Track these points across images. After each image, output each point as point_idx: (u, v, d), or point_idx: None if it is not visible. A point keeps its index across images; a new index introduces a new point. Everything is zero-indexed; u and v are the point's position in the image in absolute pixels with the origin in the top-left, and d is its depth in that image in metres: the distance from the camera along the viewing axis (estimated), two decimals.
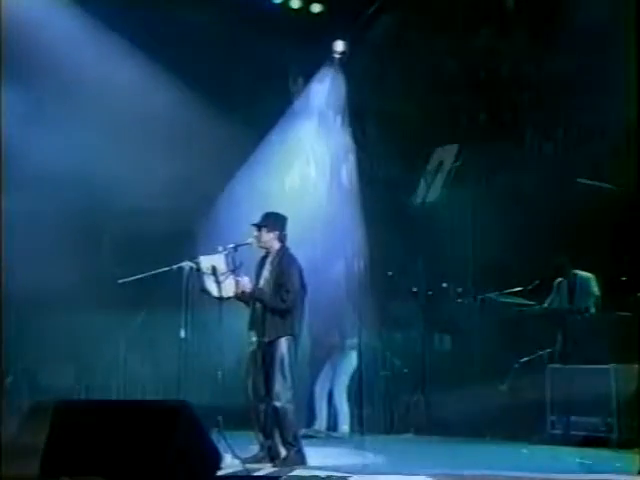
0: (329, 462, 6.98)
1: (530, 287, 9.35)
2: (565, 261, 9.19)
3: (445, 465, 6.63)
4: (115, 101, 9.70)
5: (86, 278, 9.83)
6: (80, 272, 9.80)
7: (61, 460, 4.54)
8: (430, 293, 10.49)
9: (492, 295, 9.60)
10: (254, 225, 6.91)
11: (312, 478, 6.05)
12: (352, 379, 9.78)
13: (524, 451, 7.73)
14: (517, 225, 9.63)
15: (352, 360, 9.78)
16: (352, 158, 10.89)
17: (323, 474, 6.09)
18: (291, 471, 6.33)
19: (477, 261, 10.10)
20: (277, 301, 6.70)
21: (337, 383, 9.73)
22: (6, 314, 9.21)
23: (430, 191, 10.63)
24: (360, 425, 9.97)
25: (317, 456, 7.08)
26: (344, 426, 9.66)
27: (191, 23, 9.73)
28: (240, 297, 6.87)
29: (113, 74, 9.66)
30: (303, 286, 6.84)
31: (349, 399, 9.72)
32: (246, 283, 6.78)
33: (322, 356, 9.78)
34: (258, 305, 6.80)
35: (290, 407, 6.66)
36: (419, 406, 9.93)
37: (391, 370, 10.33)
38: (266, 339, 6.71)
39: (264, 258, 6.97)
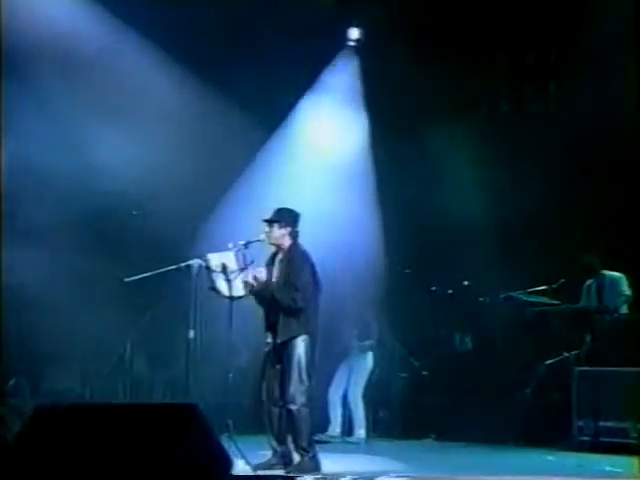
0: (344, 469, 6.96)
1: (555, 286, 9.32)
2: (594, 260, 9.14)
3: (467, 472, 6.61)
4: (121, 95, 9.74)
5: (91, 277, 9.87)
6: (84, 271, 9.84)
7: (62, 467, 4.55)
8: (450, 292, 10.48)
9: (516, 294, 9.57)
10: (265, 221, 6.91)
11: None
12: (368, 381, 9.77)
13: (550, 458, 7.69)
14: (543, 221, 9.61)
15: (368, 361, 9.77)
16: (369, 150, 10.88)
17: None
18: (305, 478, 6.33)
19: (500, 258, 10.07)
20: (291, 300, 6.70)
21: (353, 385, 9.71)
22: (8, 314, 9.26)
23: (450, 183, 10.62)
24: (377, 430, 9.99)
25: (332, 463, 7.07)
26: (360, 431, 9.65)
27: (202, 13, 9.75)
28: (254, 294, 6.85)
29: (121, 69, 9.69)
30: (317, 283, 6.82)
31: (365, 402, 9.72)
32: (262, 275, 6.75)
33: (337, 357, 9.78)
34: (269, 303, 6.79)
35: (305, 411, 6.65)
36: (439, 410, 9.92)
37: (409, 372, 10.34)
38: (280, 339, 6.70)
39: (274, 255, 6.96)
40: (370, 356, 9.77)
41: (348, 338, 9.76)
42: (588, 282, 9.22)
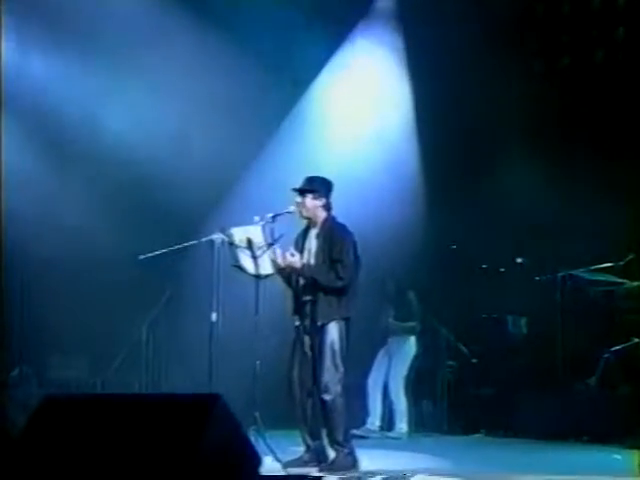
0: (384, 466, 6.96)
1: (623, 262, 9.21)
2: None
3: (521, 472, 6.57)
4: (139, 62, 9.77)
5: (102, 255, 9.92)
6: (95, 249, 9.90)
7: (71, 463, 4.57)
8: (502, 270, 10.41)
9: (577, 272, 9.48)
10: (297, 190, 6.85)
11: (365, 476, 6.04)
12: (411, 369, 9.76)
13: (616, 457, 7.62)
14: (610, 188, 9.48)
15: (411, 347, 9.75)
16: (411, 117, 10.78)
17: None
18: (341, 476, 6.33)
19: (559, 231, 9.97)
20: (332, 278, 6.65)
21: (393, 374, 9.70)
22: (11, 298, 9.33)
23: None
24: (420, 424, 9.98)
25: (370, 459, 7.06)
26: (402, 425, 9.65)
27: None
28: (283, 274, 6.83)
29: (142, 34, 9.72)
30: (357, 260, 6.79)
31: (407, 393, 9.70)
32: (296, 260, 6.72)
33: (376, 342, 9.76)
34: (302, 283, 6.76)
35: (341, 402, 6.64)
36: (490, 402, 9.89)
37: (457, 359, 10.31)
38: (320, 322, 6.67)
39: (307, 230, 6.92)
40: (412, 340, 9.74)
41: (387, 320, 9.74)
42: None
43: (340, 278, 6.65)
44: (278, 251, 6.77)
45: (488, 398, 9.99)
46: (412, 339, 9.75)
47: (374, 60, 10.78)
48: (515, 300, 10.35)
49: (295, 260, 6.71)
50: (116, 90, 9.92)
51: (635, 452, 6.72)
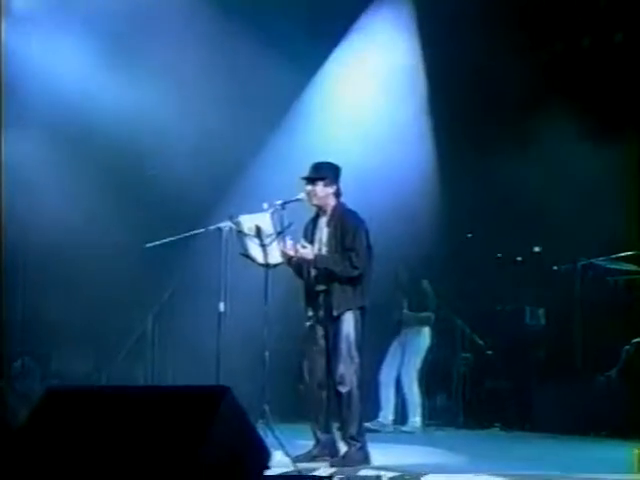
0: (397, 461, 6.95)
1: None
2: None
3: (537, 467, 6.57)
4: (143, 44, 9.77)
5: (107, 244, 9.94)
6: (99, 237, 9.91)
7: (75, 457, 4.58)
8: (519, 259, 10.39)
9: (597, 260, 9.46)
10: (306, 179, 6.84)
11: (376, 478, 6.04)
12: (425, 362, 9.76)
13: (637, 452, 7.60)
14: (631, 173, 9.45)
15: (425, 339, 9.75)
16: (419, 104, 10.75)
17: (389, 475, 6.08)
18: (352, 472, 6.33)
19: (578, 218, 9.94)
20: (348, 268, 6.64)
21: (407, 367, 9.70)
22: (14, 289, 9.36)
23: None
24: (434, 418, 9.99)
25: (383, 454, 7.06)
26: (415, 418, 9.65)
27: None
28: (293, 264, 6.82)
29: (147, 16, 9.72)
30: (370, 248, 6.79)
31: (421, 386, 9.71)
32: (308, 252, 6.70)
33: (389, 334, 9.76)
34: (314, 273, 6.76)
35: (357, 394, 6.63)
36: (506, 395, 9.89)
37: (472, 351, 10.30)
38: (336, 312, 6.66)
39: (316, 218, 6.91)
40: (427, 332, 9.74)
41: (401, 311, 9.74)
42: None
43: (355, 267, 6.64)
44: (289, 242, 6.76)
45: (504, 391, 10.00)
46: (426, 330, 9.75)
47: (387, 44, 10.74)
48: (532, 290, 10.36)
49: (307, 252, 6.70)
50: (121, 80, 9.92)
51: None
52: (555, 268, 10.00)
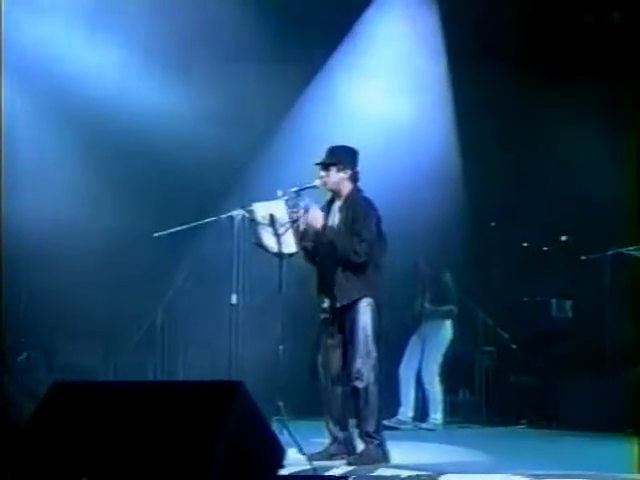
0: (416, 460, 6.96)
1: None
2: None
3: (565, 467, 6.56)
4: (158, 42, 9.81)
5: (115, 232, 9.97)
6: (108, 226, 9.94)
7: (82, 454, 4.61)
8: (546, 249, 10.37)
9: (627, 250, 9.42)
10: (320, 165, 6.86)
11: (392, 478, 6.06)
12: (446, 356, 9.76)
13: None
14: None
15: (446, 332, 9.75)
16: (448, 79, 10.72)
17: (406, 474, 6.10)
18: (370, 470, 6.35)
19: (606, 207, 9.91)
20: (350, 252, 6.67)
21: (427, 361, 9.71)
22: (19, 278, 9.40)
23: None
24: (456, 414, 9.99)
25: (402, 452, 7.07)
26: (436, 415, 9.66)
27: None
28: (307, 248, 6.83)
29: (163, 13, 9.77)
30: (381, 236, 6.79)
31: (442, 381, 9.71)
32: (319, 217, 6.70)
33: (409, 327, 9.77)
34: (328, 261, 6.77)
35: (374, 389, 6.64)
36: (532, 391, 9.89)
37: (496, 345, 10.30)
38: (340, 302, 6.69)
39: (331, 203, 6.94)
40: (448, 325, 9.74)
41: (421, 303, 9.74)
42: None
43: (357, 253, 6.64)
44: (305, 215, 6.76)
45: (530, 387, 9.99)
46: (448, 323, 9.75)
47: (407, 26, 10.70)
48: (559, 281, 10.33)
49: (317, 216, 6.70)
50: (131, 68, 9.94)
51: None
52: (583, 258, 9.95)
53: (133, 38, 9.82)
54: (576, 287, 10.20)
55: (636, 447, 7.23)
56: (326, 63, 10.72)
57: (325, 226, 6.76)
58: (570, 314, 10.30)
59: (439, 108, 10.71)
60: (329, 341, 6.76)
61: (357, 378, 6.63)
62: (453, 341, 9.78)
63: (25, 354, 9.84)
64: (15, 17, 9.21)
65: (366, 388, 6.62)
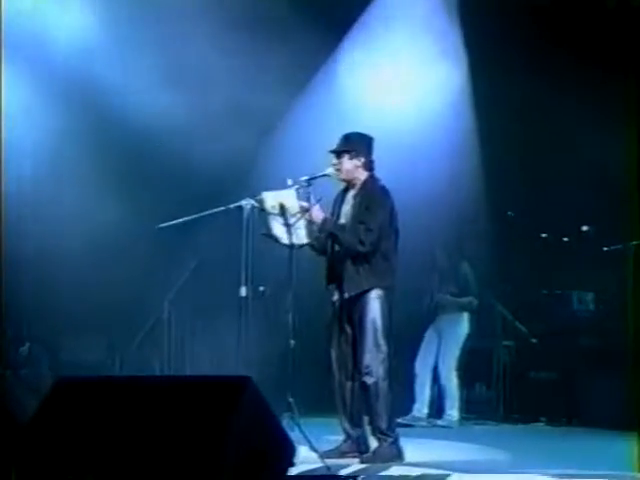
0: (432, 458, 6.97)
1: None
2: None
3: (586, 466, 6.56)
4: (161, 31, 9.83)
5: (120, 224, 9.98)
6: (112, 216, 9.96)
7: (87, 452, 4.63)
8: (566, 239, 10.35)
9: None
10: (333, 152, 6.86)
11: (401, 478, 6.07)
12: (463, 350, 9.76)
13: None
14: None
15: (463, 325, 9.75)
16: (466, 63, 10.69)
17: (420, 472, 6.11)
18: (383, 469, 6.36)
19: (630, 195, 9.87)
20: (354, 241, 6.66)
21: (444, 356, 9.71)
22: (22, 271, 9.43)
23: None
24: (473, 411, 9.99)
25: (417, 450, 7.09)
26: (452, 412, 9.67)
27: None
28: (317, 241, 6.84)
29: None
30: (393, 227, 6.79)
31: (459, 376, 9.71)
32: (317, 212, 6.72)
33: (425, 320, 9.76)
34: (337, 250, 6.78)
35: (385, 385, 6.64)
36: (552, 387, 9.87)
37: (514, 339, 10.29)
38: (347, 293, 6.70)
39: (344, 192, 6.95)
40: (465, 318, 9.73)
41: (438, 295, 9.73)
42: None
43: (362, 242, 6.65)
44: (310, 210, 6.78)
45: (550, 382, 9.97)
46: (465, 316, 9.74)
47: (425, 11, 10.69)
48: (580, 273, 10.30)
49: (316, 211, 6.71)
50: (135, 56, 9.95)
51: None
52: (605, 249, 9.93)
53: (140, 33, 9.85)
54: (598, 279, 10.17)
55: None
56: (338, 46, 10.71)
57: (330, 218, 6.77)
58: (592, 307, 10.28)
59: (459, 97, 10.68)
60: (339, 334, 6.78)
61: (366, 373, 6.64)
62: (470, 334, 9.78)
63: (27, 349, 9.88)
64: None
65: (376, 383, 6.63)
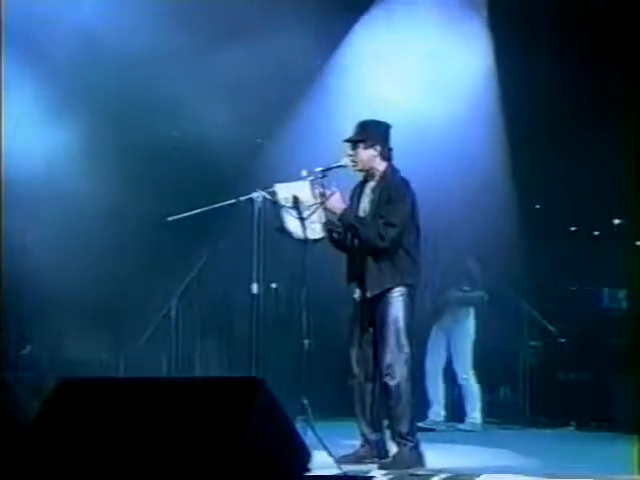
0: (454, 464, 6.98)
1: None
2: None
3: (618, 471, 6.56)
4: (170, 23, 9.85)
5: (125, 217, 10.02)
6: (117, 210, 10.00)
7: (91, 455, 4.66)
8: (596, 233, 10.33)
9: None
10: (347, 141, 6.87)
11: (429, 476, 6.08)
12: (476, 347, 9.72)
13: None
14: None
15: (471, 320, 9.74)
16: (494, 65, 10.70)
17: (440, 477, 6.12)
18: (403, 475, 6.37)
19: None
20: (373, 236, 6.67)
21: (457, 354, 9.70)
22: (24, 267, 9.48)
23: None
24: (495, 414, 9.99)
25: (438, 455, 7.10)
26: (474, 414, 9.67)
27: None
28: (335, 235, 6.85)
29: None
30: (415, 222, 6.79)
31: (478, 377, 9.70)
32: (337, 201, 6.72)
33: (430, 317, 9.72)
34: (357, 245, 6.78)
35: (407, 386, 6.66)
36: (582, 389, 9.86)
37: (541, 339, 10.29)
38: (370, 292, 6.70)
39: (363, 184, 6.95)
40: (472, 313, 9.68)
41: (453, 289, 9.71)
42: None
43: (382, 237, 6.65)
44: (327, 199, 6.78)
45: (579, 385, 9.96)
46: (472, 312, 9.71)
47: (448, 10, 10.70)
48: (612, 269, 10.28)
49: (336, 200, 6.70)
50: (144, 47, 9.99)
51: None
52: (638, 244, 9.94)
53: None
54: (630, 275, 10.15)
55: None
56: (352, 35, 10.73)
57: (350, 209, 6.77)
58: (624, 305, 10.27)
59: (483, 83, 10.67)
60: (361, 334, 6.79)
61: (388, 374, 6.65)
62: (484, 332, 9.74)
63: (28, 349, 9.93)
64: None
65: (398, 385, 6.64)
